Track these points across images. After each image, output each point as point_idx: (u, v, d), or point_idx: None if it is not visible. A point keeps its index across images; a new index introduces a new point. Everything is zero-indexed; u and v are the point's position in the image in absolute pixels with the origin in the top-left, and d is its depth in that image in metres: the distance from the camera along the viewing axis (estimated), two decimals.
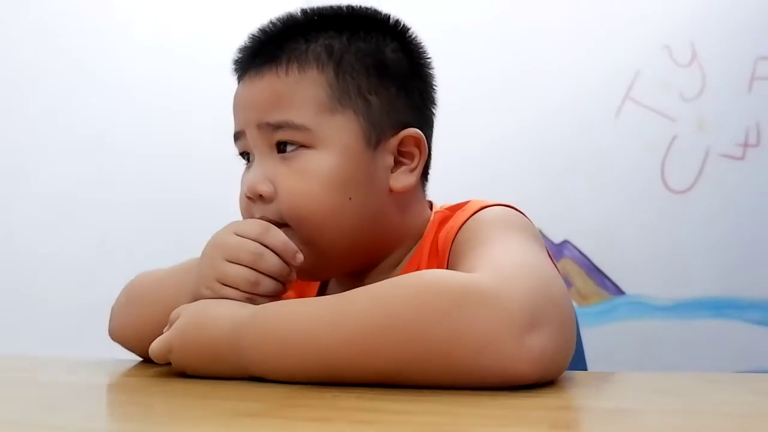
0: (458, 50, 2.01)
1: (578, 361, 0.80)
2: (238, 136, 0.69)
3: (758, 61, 1.89)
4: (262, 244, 0.58)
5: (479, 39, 2.08)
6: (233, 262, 0.58)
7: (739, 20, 1.90)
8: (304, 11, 0.69)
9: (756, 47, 1.89)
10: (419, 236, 0.71)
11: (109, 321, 0.73)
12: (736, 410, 0.42)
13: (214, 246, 0.60)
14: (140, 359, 0.69)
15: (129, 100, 1.78)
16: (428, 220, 0.72)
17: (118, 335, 0.72)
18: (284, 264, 0.59)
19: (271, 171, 0.65)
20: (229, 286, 0.58)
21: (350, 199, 0.64)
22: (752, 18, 1.90)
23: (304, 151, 0.64)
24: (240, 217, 0.67)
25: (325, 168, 0.64)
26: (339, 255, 0.66)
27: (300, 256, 0.60)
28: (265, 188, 0.64)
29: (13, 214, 1.57)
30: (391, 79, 0.68)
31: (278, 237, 0.59)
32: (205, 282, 0.59)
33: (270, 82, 0.65)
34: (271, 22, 0.70)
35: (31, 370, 0.69)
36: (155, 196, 1.81)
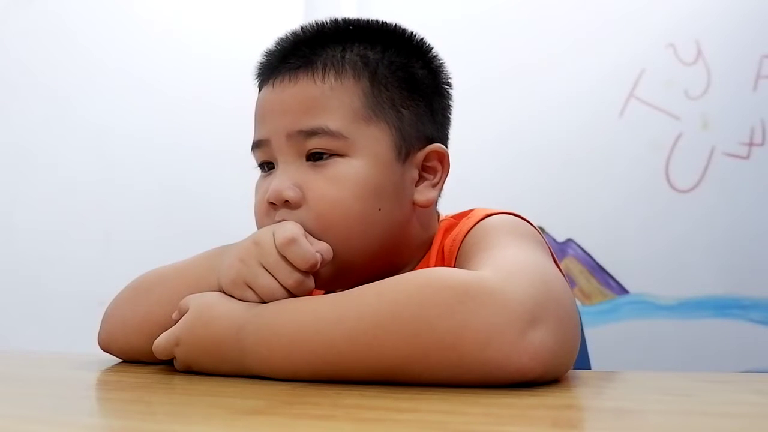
0: (461, 49, 2.01)
1: (582, 361, 0.80)
2: (259, 144, 0.67)
3: (764, 60, 1.88)
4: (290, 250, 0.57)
5: (482, 36, 2.08)
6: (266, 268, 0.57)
7: (744, 18, 1.90)
8: (334, 21, 0.69)
9: (761, 45, 1.88)
10: (428, 246, 0.72)
11: (104, 324, 0.68)
12: (739, 410, 0.42)
13: (254, 244, 0.59)
14: None
15: (134, 97, 1.79)
16: (436, 230, 0.73)
17: (113, 337, 0.67)
18: (307, 281, 0.58)
19: (299, 177, 0.63)
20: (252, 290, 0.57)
21: (380, 209, 0.64)
22: (758, 16, 1.89)
23: (337, 159, 0.63)
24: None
25: (359, 176, 0.63)
26: (359, 266, 0.64)
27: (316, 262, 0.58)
28: (292, 194, 0.62)
29: (17, 211, 1.58)
30: (420, 95, 0.68)
31: (297, 252, 0.57)
32: (232, 276, 0.58)
33: (304, 88, 0.64)
34: (302, 28, 0.69)
35: (34, 366, 0.70)
36: (160, 192, 1.81)
